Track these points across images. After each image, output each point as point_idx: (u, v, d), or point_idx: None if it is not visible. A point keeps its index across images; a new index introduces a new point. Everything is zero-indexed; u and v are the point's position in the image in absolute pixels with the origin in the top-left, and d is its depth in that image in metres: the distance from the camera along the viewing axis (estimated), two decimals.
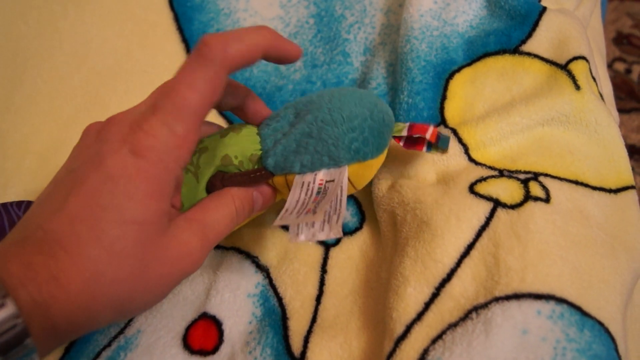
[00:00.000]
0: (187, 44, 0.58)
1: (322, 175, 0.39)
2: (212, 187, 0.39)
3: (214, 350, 0.41)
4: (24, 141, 0.54)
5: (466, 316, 0.35)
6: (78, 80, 0.56)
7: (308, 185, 0.38)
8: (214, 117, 0.55)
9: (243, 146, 0.40)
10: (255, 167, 0.40)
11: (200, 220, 0.35)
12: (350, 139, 0.38)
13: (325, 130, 0.38)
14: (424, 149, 0.42)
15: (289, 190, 0.41)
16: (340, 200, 0.37)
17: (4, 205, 0.42)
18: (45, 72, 0.56)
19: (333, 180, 0.38)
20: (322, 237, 0.37)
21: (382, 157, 0.41)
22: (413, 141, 0.42)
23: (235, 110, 0.42)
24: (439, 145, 0.41)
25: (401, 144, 0.42)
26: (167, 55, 0.58)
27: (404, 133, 0.42)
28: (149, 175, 0.31)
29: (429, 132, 0.41)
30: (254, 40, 0.35)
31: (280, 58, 0.38)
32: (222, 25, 0.58)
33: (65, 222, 0.30)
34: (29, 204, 0.43)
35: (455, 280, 0.37)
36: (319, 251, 0.46)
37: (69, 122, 0.55)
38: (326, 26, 0.57)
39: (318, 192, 0.38)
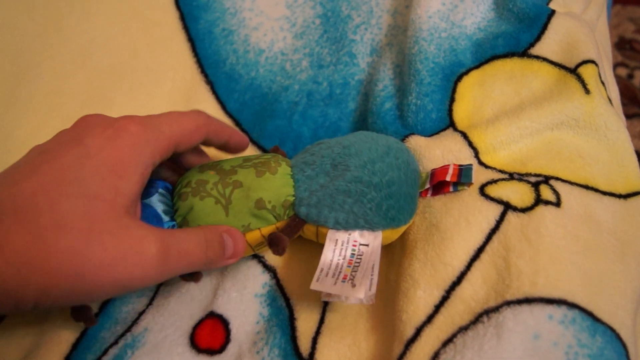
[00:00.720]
0: (193, 43, 0.58)
1: (356, 237, 0.40)
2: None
3: (221, 349, 0.41)
4: (27, 138, 0.53)
5: (477, 319, 0.35)
6: (82, 77, 0.56)
7: (342, 244, 0.39)
8: (218, 117, 0.55)
9: (277, 191, 0.40)
10: (287, 212, 0.41)
11: (166, 233, 0.35)
12: (387, 206, 0.39)
13: (364, 194, 0.39)
14: (451, 188, 0.42)
15: (317, 239, 0.42)
16: (374, 265, 0.38)
17: None
18: (50, 68, 0.56)
19: (367, 245, 0.39)
20: (354, 301, 0.38)
21: (411, 222, 0.42)
22: (438, 187, 0.43)
23: (220, 148, 0.44)
24: (463, 181, 0.41)
25: (429, 195, 0.43)
26: (172, 54, 0.57)
27: (428, 185, 0.42)
28: (121, 156, 0.33)
29: (450, 174, 0.41)
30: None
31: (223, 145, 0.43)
32: (227, 24, 0.58)
33: (27, 193, 0.31)
34: None
35: (465, 284, 0.37)
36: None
37: (73, 119, 0.53)
38: (332, 27, 0.57)
39: (352, 254, 0.39)
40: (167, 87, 0.57)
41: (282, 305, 0.43)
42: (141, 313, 0.43)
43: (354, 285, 0.37)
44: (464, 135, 0.45)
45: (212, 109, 0.56)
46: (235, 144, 0.44)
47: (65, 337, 0.42)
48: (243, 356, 0.40)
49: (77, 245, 0.31)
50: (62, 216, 0.30)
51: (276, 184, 0.40)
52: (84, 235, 0.31)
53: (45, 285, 0.30)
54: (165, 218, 0.41)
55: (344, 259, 0.39)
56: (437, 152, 0.45)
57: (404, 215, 0.40)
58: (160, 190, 0.42)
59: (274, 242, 0.39)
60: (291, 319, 0.42)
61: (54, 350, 0.41)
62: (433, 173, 0.43)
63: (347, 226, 0.40)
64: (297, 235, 0.41)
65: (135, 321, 0.43)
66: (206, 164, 0.43)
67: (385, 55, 0.54)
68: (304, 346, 0.40)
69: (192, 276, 0.43)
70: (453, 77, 0.49)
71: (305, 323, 0.42)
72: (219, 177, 0.41)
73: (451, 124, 0.47)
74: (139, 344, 0.41)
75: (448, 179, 0.41)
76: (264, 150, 0.53)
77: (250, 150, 0.53)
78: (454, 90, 0.49)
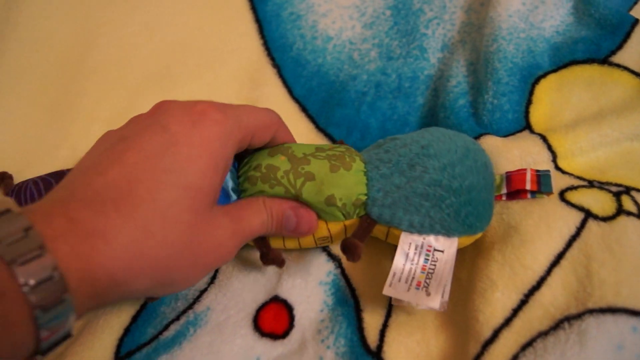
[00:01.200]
0: (260, 24, 0.57)
1: (431, 241, 0.38)
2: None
3: (284, 334, 0.40)
4: (92, 107, 0.53)
5: (557, 326, 0.35)
6: (149, 50, 0.55)
7: (415, 248, 0.38)
8: (285, 101, 0.54)
9: (350, 189, 0.39)
10: (357, 211, 0.39)
11: (236, 215, 0.36)
12: (466, 213, 0.38)
13: (443, 198, 0.38)
14: (529, 195, 0.41)
15: (386, 239, 0.41)
16: (449, 273, 0.38)
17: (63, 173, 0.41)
18: (117, 39, 0.56)
19: (442, 251, 0.38)
20: (423, 307, 0.37)
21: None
22: (514, 192, 0.42)
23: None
24: (543, 190, 0.40)
25: (503, 198, 0.42)
26: (239, 34, 0.57)
27: (504, 190, 0.41)
28: (211, 147, 0.32)
29: (528, 181, 0.40)
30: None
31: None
32: (295, 8, 0.57)
33: (122, 181, 0.30)
34: None
35: (544, 289, 0.37)
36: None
37: (138, 91, 0.54)
38: (403, 19, 0.56)
39: (426, 260, 0.38)
40: (233, 68, 0.56)
41: (347, 295, 0.42)
42: (203, 291, 0.43)
43: (428, 294, 0.37)
44: (544, 139, 0.45)
45: (279, 93, 0.55)
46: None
47: (125, 309, 0.42)
48: (307, 343, 0.40)
49: (185, 239, 0.31)
50: (167, 208, 0.30)
51: (350, 182, 0.39)
52: (190, 228, 0.31)
53: (156, 277, 0.30)
54: (233, 196, 0.40)
55: (417, 264, 0.38)
56: (515, 153, 0.44)
57: (481, 222, 0.39)
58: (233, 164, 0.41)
59: (348, 249, 0.38)
60: (357, 310, 0.41)
61: (113, 321, 0.41)
62: (509, 177, 0.42)
63: (421, 230, 0.38)
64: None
65: (197, 299, 0.42)
66: (276, 147, 0.42)
67: (457, 52, 0.53)
68: (372, 338, 0.40)
69: (277, 262, 0.41)
70: (530, 79, 0.49)
71: (372, 315, 0.41)
72: (291, 165, 0.39)
73: (527, 126, 0.47)
74: (202, 322, 0.41)
75: (527, 187, 0.40)
76: (331, 138, 0.53)
77: (317, 138, 0.53)
78: (531, 92, 0.48)
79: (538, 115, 0.47)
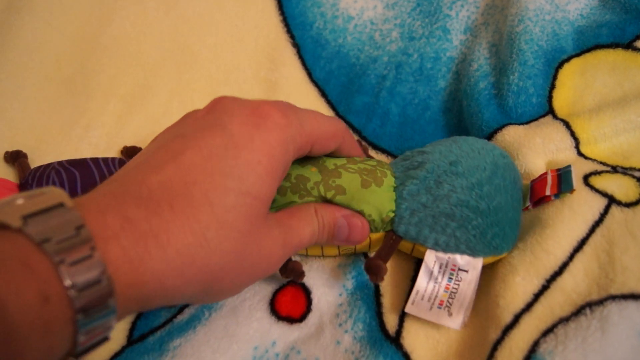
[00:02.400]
0: (280, 0, 0.57)
1: (456, 261, 0.39)
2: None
3: (301, 318, 0.41)
4: (109, 83, 0.53)
5: (579, 312, 0.35)
6: (166, 25, 0.55)
7: (440, 266, 0.39)
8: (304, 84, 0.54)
9: (380, 206, 0.39)
10: (385, 228, 0.40)
11: (287, 224, 0.35)
12: (492, 235, 0.38)
13: (470, 220, 0.38)
14: (552, 198, 0.41)
15: (411, 253, 0.41)
16: (471, 293, 0.38)
17: (105, 160, 0.41)
18: (134, 14, 0.55)
19: (466, 271, 0.38)
20: (443, 323, 0.38)
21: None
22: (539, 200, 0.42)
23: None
24: (563, 190, 0.40)
25: (530, 209, 0.42)
26: (259, 11, 0.57)
27: (529, 203, 0.41)
28: (272, 152, 0.31)
29: (549, 186, 0.40)
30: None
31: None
32: None
33: (178, 182, 0.28)
34: (121, 161, 0.42)
35: (566, 274, 0.37)
36: (410, 245, 0.45)
37: (155, 67, 0.54)
38: (427, 0, 0.56)
39: (450, 279, 0.38)
40: (251, 47, 0.56)
41: (367, 279, 0.42)
42: None
43: (450, 314, 0.37)
44: (566, 125, 0.45)
45: (298, 75, 0.55)
46: None
47: None
48: (324, 327, 0.40)
49: (239, 249, 0.30)
50: (224, 214, 0.29)
51: (380, 199, 0.39)
52: (244, 237, 0.30)
53: (205, 285, 0.29)
54: None
55: (440, 283, 0.38)
56: (537, 141, 0.44)
57: (507, 243, 0.39)
58: None
59: (372, 271, 0.38)
60: (377, 295, 0.42)
61: None
62: (533, 187, 0.42)
63: (446, 249, 0.39)
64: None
65: None
66: (306, 157, 0.41)
67: (480, 34, 0.53)
68: (390, 323, 0.40)
69: (296, 274, 0.41)
70: (554, 63, 0.48)
71: (392, 300, 0.41)
72: (321, 177, 0.39)
73: (550, 111, 0.47)
74: (217, 305, 0.41)
75: (548, 192, 0.40)
76: (351, 125, 0.53)
77: None
78: (554, 77, 0.48)
79: (561, 100, 0.47)
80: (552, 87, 0.48)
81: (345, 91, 0.54)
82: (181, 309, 0.41)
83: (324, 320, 0.41)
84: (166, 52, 0.54)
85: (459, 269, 0.38)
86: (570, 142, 0.44)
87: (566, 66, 0.48)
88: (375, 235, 0.40)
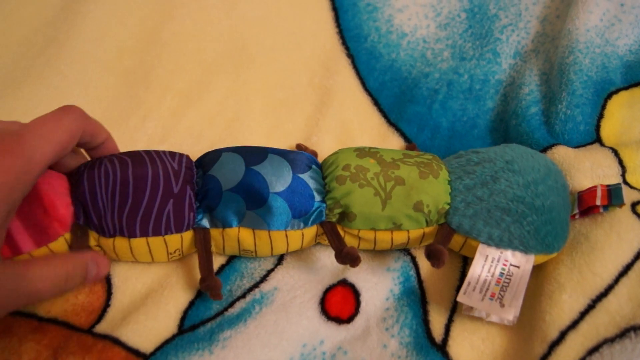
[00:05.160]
0: (336, 12, 0.60)
1: (508, 256, 0.41)
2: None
3: (349, 320, 0.42)
4: (167, 78, 0.55)
5: (623, 334, 0.37)
6: (226, 25, 0.57)
7: (492, 261, 0.41)
8: (358, 93, 0.56)
9: (437, 197, 0.41)
10: (438, 220, 0.42)
11: (21, 268, 0.33)
12: (546, 232, 0.41)
13: (525, 215, 0.40)
14: (601, 210, 0.43)
15: (459, 250, 0.43)
16: (522, 288, 0.40)
17: (158, 153, 0.42)
18: (195, 12, 0.58)
19: (518, 267, 0.40)
20: (495, 320, 0.40)
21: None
22: (587, 209, 0.44)
23: (90, 152, 0.42)
24: (613, 203, 0.43)
25: (577, 217, 0.44)
26: (315, 20, 0.59)
27: (577, 210, 0.44)
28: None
29: (599, 197, 0.43)
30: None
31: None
32: (373, 0, 0.60)
33: None
34: (181, 156, 0.43)
35: (611, 297, 0.39)
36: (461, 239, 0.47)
37: (213, 66, 0.56)
38: (478, 23, 0.59)
39: (501, 274, 0.40)
40: (307, 54, 0.59)
41: (414, 285, 0.44)
42: (270, 271, 0.45)
43: (502, 305, 0.39)
44: (615, 152, 0.47)
45: (352, 83, 0.58)
46: (108, 150, 0.42)
47: (192, 283, 0.43)
48: (371, 330, 0.42)
49: None
50: None
51: (437, 190, 0.41)
52: None
53: None
54: (317, 197, 0.42)
55: (492, 276, 0.40)
56: (586, 164, 0.46)
57: (558, 242, 0.42)
58: (312, 166, 0.43)
59: (434, 255, 0.40)
60: (423, 302, 0.44)
61: (178, 294, 0.42)
62: (580, 197, 0.44)
63: (499, 244, 0.41)
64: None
65: (264, 278, 0.44)
66: (362, 149, 0.44)
67: (530, 60, 0.56)
68: (437, 331, 0.42)
69: (352, 259, 0.41)
70: (603, 94, 0.51)
71: (438, 308, 0.43)
72: (380, 168, 0.42)
73: (597, 139, 0.49)
74: (268, 301, 0.42)
75: (598, 203, 0.43)
76: (402, 134, 0.55)
77: (388, 133, 0.55)
78: (603, 107, 0.51)
79: (609, 129, 0.50)
80: (601, 116, 0.51)
81: (398, 101, 0.57)
82: (232, 303, 0.42)
83: (370, 324, 0.42)
84: (224, 52, 0.57)
85: (511, 265, 0.40)
86: (617, 169, 0.47)
87: (615, 98, 0.51)
88: (428, 229, 0.42)
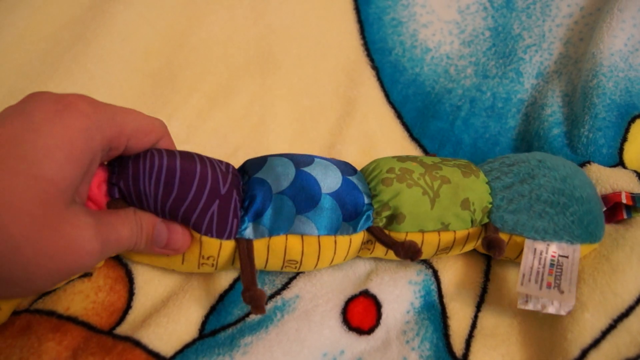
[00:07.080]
0: (362, 25, 0.61)
1: (555, 248, 0.42)
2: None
3: (370, 331, 0.43)
4: (194, 79, 0.56)
5: None
6: (253, 33, 0.59)
7: (540, 254, 0.42)
8: (381, 105, 0.57)
9: (481, 195, 0.43)
10: (481, 219, 0.43)
11: (103, 219, 0.34)
12: (588, 221, 0.42)
13: (567, 206, 0.42)
14: (625, 215, 0.45)
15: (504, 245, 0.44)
16: (575, 274, 0.41)
17: (206, 156, 0.41)
18: (223, 19, 0.59)
19: (567, 257, 0.42)
20: (552, 310, 0.40)
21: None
22: (611, 214, 0.46)
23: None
24: (637, 205, 0.44)
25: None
26: (340, 32, 0.61)
27: (604, 208, 0.45)
28: (73, 139, 0.31)
29: (624, 197, 0.45)
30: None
31: None
32: (398, 14, 0.61)
33: None
34: (227, 164, 0.42)
35: (633, 318, 0.40)
36: (482, 258, 0.49)
37: (240, 71, 0.57)
38: (502, 42, 0.60)
39: (552, 265, 0.41)
40: (332, 64, 0.60)
41: (435, 300, 0.45)
42: (292, 278, 0.45)
43: (561, 292, 0.40)
44: (638, 175, 0.49)
45: (376, 95, 0.59)
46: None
47: (214, 287, 0.44)
48: (391, 342, 0.42)
49: (31, 235, 0.29)
50: (14, 198, 0.29)
51: (481, 188, 0.43)
52: (38, 224, 0.30)
53: None
54: (366, 200, 0.42)
55: (544, 267, 0.41)
56: (611, 181, 0.48)
57: (600, 231, 0.43)
58: (357, 171, 0.44)
59: (494, 245, 0.40)
60: (444, 317, 0.44)
61: (201, 297, 0.43)
62: (605, 197, 0.46)
63: (545, 236, 0.42)
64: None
65: (285, 285, 0.45)
66: (400, 156, 0.45)
67: (553, 81, 0.58)
68: (458, 346, 0.43)
69: (413, 252, 0.40)
70: (627, 117, 0.53)
71: (458, 323, 0.44)
72: (424, 169, 0.43)
73: (620, 163, 0.51)
74: (290, 308, 0.43)
75: (623, 200, 0.44)
76: (424, 149, 0.57)
77: (410, 147, 0.57)
78: (627, 130, 0.52)
79: (632, 152, 0.51)
80: (624, 140, 0.52)
81: (421, 116, 0.58)
82: None
83: (390, 336, 0.43)
84: (251, 58, 0.58)
85: (559, 255, 0.42)
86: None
87: (638, 121, 0.53)
88: (473, 230, 0.43)
